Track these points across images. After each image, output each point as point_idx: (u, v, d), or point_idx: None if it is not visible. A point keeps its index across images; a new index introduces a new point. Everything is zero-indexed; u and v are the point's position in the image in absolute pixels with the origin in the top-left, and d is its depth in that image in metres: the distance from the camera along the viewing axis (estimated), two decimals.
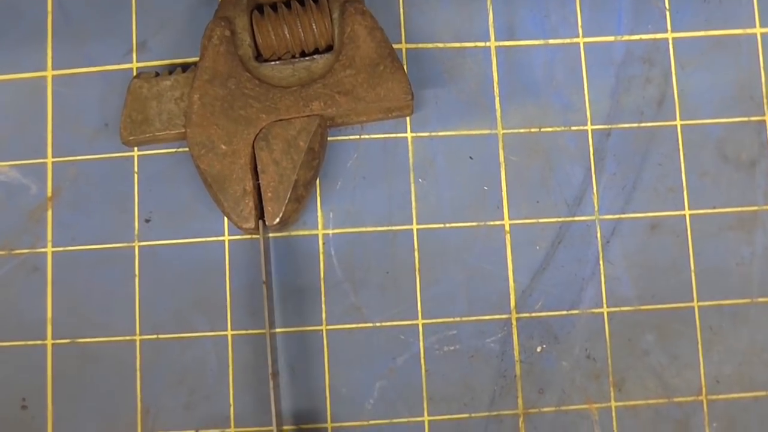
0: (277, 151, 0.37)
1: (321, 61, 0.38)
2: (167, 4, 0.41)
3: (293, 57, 0.39)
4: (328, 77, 0.38)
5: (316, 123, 0.38)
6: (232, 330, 0.39)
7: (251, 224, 0.37)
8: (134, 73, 0.40)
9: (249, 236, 0.39)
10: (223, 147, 0.37)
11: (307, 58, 0.38)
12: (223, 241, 0.40)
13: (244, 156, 0.37)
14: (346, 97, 0.37)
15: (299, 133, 0.37)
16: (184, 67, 0.40)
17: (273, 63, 0.38)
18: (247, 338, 0.39)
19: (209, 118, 0.38)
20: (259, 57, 0.39)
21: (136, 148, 0.40)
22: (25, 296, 0.40)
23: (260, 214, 0.37)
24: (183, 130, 0.38)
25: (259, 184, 0.37)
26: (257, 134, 0.38)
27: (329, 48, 0.39)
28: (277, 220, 0.37)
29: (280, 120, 0.38)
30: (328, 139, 0.39)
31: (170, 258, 0.40)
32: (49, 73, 0.41)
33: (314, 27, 0.38)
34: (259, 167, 0.37)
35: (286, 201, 0.37)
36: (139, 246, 0.40)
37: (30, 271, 0.40)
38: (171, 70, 0.40)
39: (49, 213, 0.40)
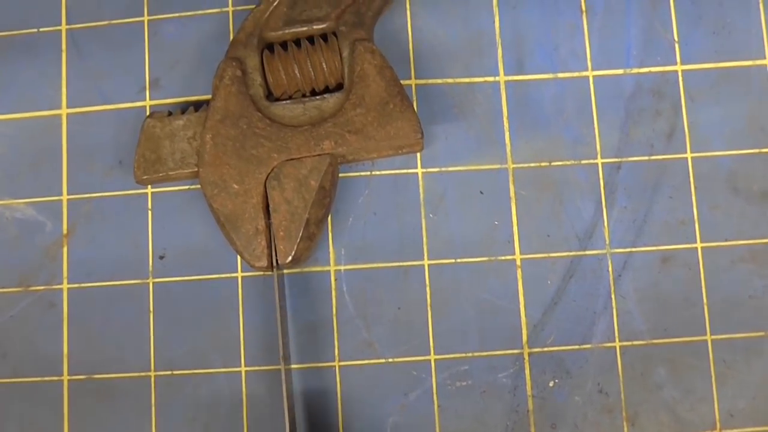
0: (289, 190, 0.38)
1: (331, 100, 0.39)
2: (179, 42, 0.41)
3: (304, 96, 0.39)
4: (338, 116, 0.38)
5: (327, 162, 0.38)
6: (246, 366, 0.39)
7: (263, 263, 0.38)
8: (147, 111, 0.41)
9: (262, 273, 0.40)
10: (236, 186, 0.38)
11: (317, 97, 0.39)
12: (237, 277, 0.40)
13: (256, 195, 0.38)
14: (356, 136, 0.38)
15: (310, 172, 0.38)
16: (197, 105, 0.40)
17: (284, 102, 0.39)
18: (260, 375, 0.39)
19: (221, 157, 0.38)
20: (270, 96, 0.39)
21: (150, 186, 0.41)
22: (41, 332, 0.40)
23: (272, 252, 0.38)
24: (196, 170, 0.39)
25: (271, 223, 0.38)
26: (269, 173, 0.38)
27: (340, 86, 0.39)
28: (290, 258, 0.38)
29: (292, 159, 0.38)
30: (339, 175, 0.40)
31: (184, 294, 0.40)
32: (64, 111, 0.42)
33: (324, 66, 0.39)
34: (271, 206, 0.38)
35: (298, 240, 0.37)
36: (153, 282, 0.40)
37: (46, 308, 0.40)
38: (183, 108, 0.40)
39: (65, 250, 0.41)
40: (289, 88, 0.39)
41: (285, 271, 0.40)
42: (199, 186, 0.40)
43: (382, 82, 0.38)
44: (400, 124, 0.38)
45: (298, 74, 0.39)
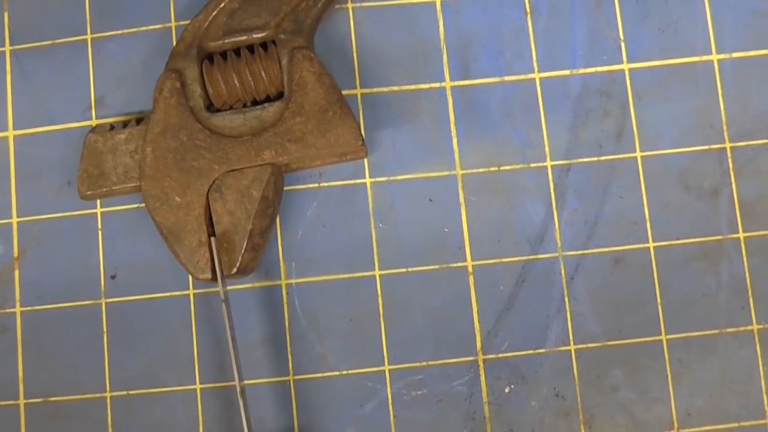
0: (231, 201, 0.37)
1: (271, 109, 0.38)
2: (123, 59, 0.41)
3: (245, 105, 0.39)
4: (278, 125, 0.38)
5: (269, 172, 0.38)
6: (200, 384, 0.39)
7: (207, 275, 0.37)
8: None
9: (214, 290, 0.39)
10: (177, 199, 0.38)
11: (257, 106, 0.38)
12: (189, 294, 0.40)
13: (198, 207, 0.38)
14: (297, 145, 0.37)
15: (252, 182, 0.38)
16: (139, 119, 0.40)
17: (224, 113, 0.38)
18: (215, 392, 0.39)
19: (162, 170, 0.38)
20: (210, 107, 0.39)
21: (99, 205, 0.40)
22: None
23: (216, 264, 0.37)
24: (138, 184, 0.38)
25: (214, 235, 0.37)
26: (210, 185, 0.38)
27: (280, 95, 0.39)
28: (235, 270, 0.37)
29: (233, 170, 0.38)
30: (287, 188, 0.40)
31: (137, 313, 0.40)
32: (11, 133, 0.41)
33: (264, 74, 0.38)
34: (214, 218, 0.38)
35: (243, 251, 0.37)
36: (106, 303, 0.40)
37: (0, 332, 0.40)
38: (126, 123, 0.40)
39: (16, 273, 0.40)
40: (229, 98, 0.39)
41: (236, 286, 0.39)
42: (143, 205, 0.39)
43: (321, 90, 0.38)
44: (341, 131, 0.37)
45: (237, 84, 0.38)
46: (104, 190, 0.39)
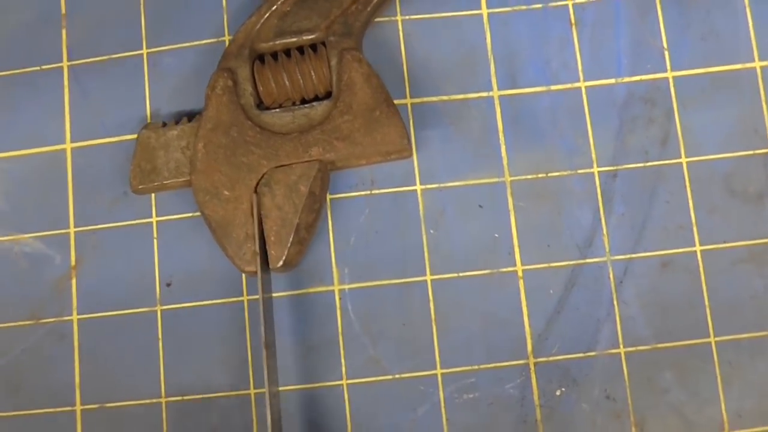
0: (279, 196, 0.38)
1: (320, 108, 0.39)
2: (178, 72, 0.42)
3: (293, 104, 0.40)
4: (326, 123, 0.39)
5: (316, 168, 0.39)
6: (254, 389, 0.40)
7: (253, 267, 0.38)
8: None
9: (267, 296, 0.40)
10: (227, 193, 0.39)
11: (306, 105, 0.40)
12: (243, 301, 0.40)
13: (246, 201, 0.39)
14: (344, 143, 0.38)
15: (300, 178, 0.39)
16: (190, 117, 0.41)
17: (274, 111, 0.40)
18: None
19: (213, 165, 0.39)
20: (260, 105, 0.40)
21: (154, 214, 0.41)
22: (53, 364, 0.41)
23: (264, 258, 0.38)
24: (189, 178, 0.39)
25: (262, 229, 0.38)
26: (259, 180, 0.39)
27: (328, 95, 0.40)
28: (281, 263, 0.38)
29: (281, 166, 0.39)
30: (339, 195, 0.40)
31: (192, 320, 0.41)
32: (69, 146, 0.42)
33: (313, 74, 0.39)
34: (262, 212, 0.38)
35: (289, 244, 0.38)
36: (161, 309, 0.41)
37: (57, 339, 0.41)
38: (178, 119, 0.41)
39: (74, 281, 0.41)
40: (278, 97, 0.40)
41: (291, 292, 0.40)
42: (197, 213, 0.40)
43: (368, 90, 0.39)
44: (387, 131, 0.38)
45: (287, 83, 0.39)
46: (156, 184, 0.40)
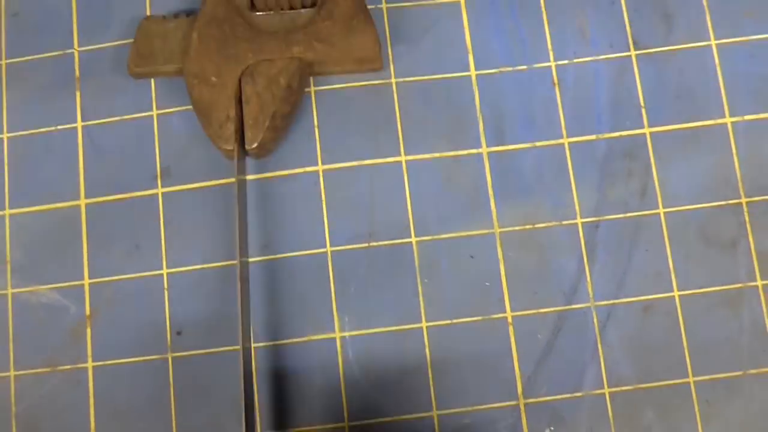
0: (260, 85, 0.42)
1: (305, 14, 0.44)
2: (187, 132, 0.45)
3: (282, 9, 0.44)
4: (309, 27, 0.43)
5: (296, 64, 0.43)
6: None
7: (230, 146, 0.42)
8: (160, 199, 0.44)
9: (273, 342, 0.42)
10: (214, 79, 0.43)
11: (293, 11, 0.44)
12: (249, 348, 0.43)
13: (230, 88, 0.42)
14: (323, 45, 0.43)
15: (280, 71, 0.42)
16: (188, 12, 0.45)
17: (264, 13, 0.44)
18: None
19: (204, 54, 0.43)
20: (253, 8, 0.44)
21: (165, 266, 0.44)
22: (69, 409, 0.42)
23: (241, 139, 0.42)
24: (181, 65, 0.43)
25: (242, 113, 0.42)
26: (244, 70, 0.43)
27: (314, 5, 0.44)
28: (255, 144, 0.42)
29: (265, 60, 0.43)
30: (341, 247, 0.43)
31: (202, 366, 0.43)
32: (83, 202, 0.45)
33: None
34: (243, 98, 0.42)
35: (265, 129, 0.42)
36: (172, 357, 0.43)
37: (74, 385, 0.43)
38: (177, 14, 0.45)
39: (89, 330, 0.43)
40: (270, 2, 0.44)
41: (295, 339, 0.43)
42: (206, 265, 0.43)
43: (350, 1, 0.43)
44: (362, 38, 0.43)
45: None
46: (151, 68, 0.44)
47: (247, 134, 0.42)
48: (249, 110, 0.42)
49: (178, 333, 0.43)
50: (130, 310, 0.43)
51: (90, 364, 0.43)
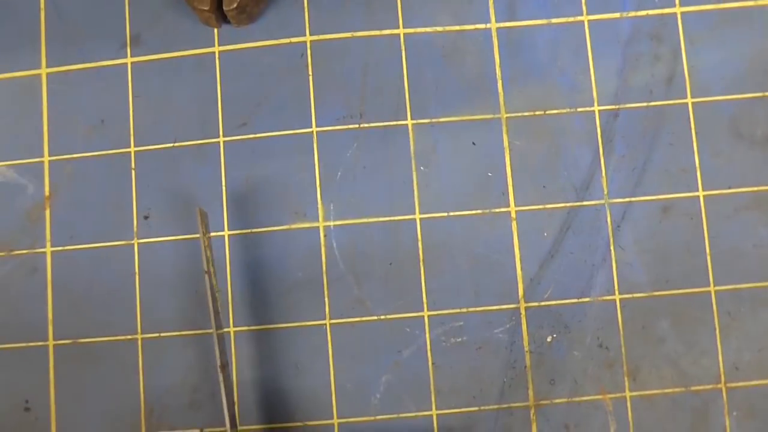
0: None
1: None
2: None
3: None
4: None
5: None
6: (234, 327, 0.38)
7: (206, 5, 0.38)
8: (128, 68, 0.40)
9: (249, 231, 0.38)
10: None
11: None
12: (223, 236, 0.39)
13: None
14: None
15: None
16: None
17: None
18: (249, 334, 0.38)
19: None
20: None
21: (132, 144, 0.40)
22: (25, 297, 0.39)
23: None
24: None
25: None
26: None
27: None
28: (234, 5, 0.38)
29: None
30: (326, 128, 0.39)
31: (170, 255, 0.39)
32: (44, 71, 0.40)
33: None
34: None
35: None
36: (138, 243, 0.39)
37: (30, 272, 0.39)
38: None
39: (47, 212, 0.40)
40: None
41: (274, 227, 0.39)
42: (181, 143, 0.39)
43: None
44: None
45: None
46: None
47: None
48: None
49: (146, 217, 0.39)
50: (94, 191, 0.40)
51: (48, 249, 0.39)
